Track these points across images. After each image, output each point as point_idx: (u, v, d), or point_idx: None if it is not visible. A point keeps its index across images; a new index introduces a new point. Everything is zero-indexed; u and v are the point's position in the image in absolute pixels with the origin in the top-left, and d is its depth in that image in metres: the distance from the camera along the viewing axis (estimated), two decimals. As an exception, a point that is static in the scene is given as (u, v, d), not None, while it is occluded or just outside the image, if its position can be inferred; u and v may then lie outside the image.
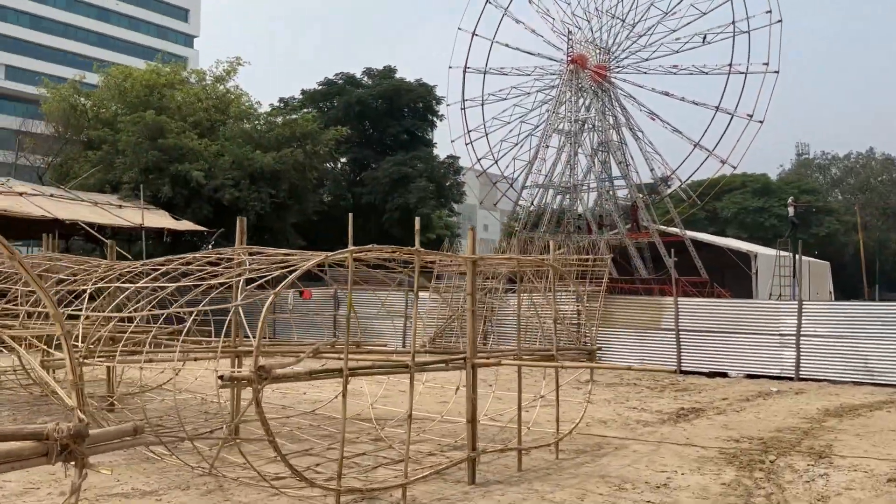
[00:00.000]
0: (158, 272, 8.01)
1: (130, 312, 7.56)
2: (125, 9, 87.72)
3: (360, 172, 41.72)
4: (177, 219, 27.01)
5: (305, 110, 38.20)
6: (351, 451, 8.43)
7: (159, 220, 26.01)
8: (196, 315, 7.53)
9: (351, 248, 5.93)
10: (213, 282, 6.89)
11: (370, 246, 6.27)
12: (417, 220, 7.14)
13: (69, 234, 25.83)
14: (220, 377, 4.97)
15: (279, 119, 34.62)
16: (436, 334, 20.99)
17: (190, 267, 8.05)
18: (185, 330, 10.97)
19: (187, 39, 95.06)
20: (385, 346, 14.08)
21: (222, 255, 8.38)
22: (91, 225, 22.55)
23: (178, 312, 8.41)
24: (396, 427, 9.76)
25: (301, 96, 42.57)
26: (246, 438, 8.06)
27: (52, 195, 24.49)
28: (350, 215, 6.83)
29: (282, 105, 39.95)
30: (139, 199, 26.35)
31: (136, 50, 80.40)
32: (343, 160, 42.54)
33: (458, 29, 41.80)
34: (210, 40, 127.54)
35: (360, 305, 21.33)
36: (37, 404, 11.13)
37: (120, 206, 25.77)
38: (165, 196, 27.75)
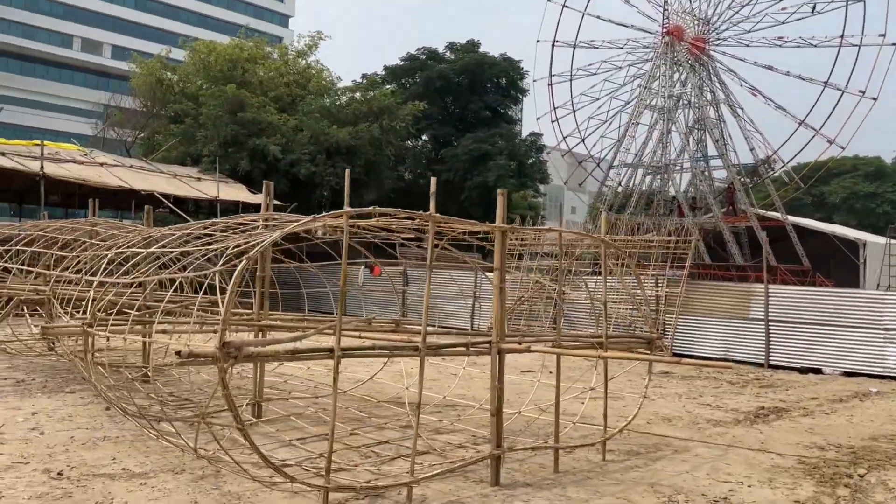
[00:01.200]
0: (174, 237, 7.47)
1: (140, 277, 7.04)
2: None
3: (440, 150, 41.00)
4: (253, 192, 27.06)
5: (387, 86, 37.76)
6: (374, 439, 7.70)
7: (236, 193, 26.10)
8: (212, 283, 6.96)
9: (347, 209, 5.12)
10: (215, 248, 6.24)
11: (371, 208, 5.45)
12: (503, 193, 6.27)
13: (155, 206, 26.33)
14: (178, 353, 4.28)
15: (357, 94, 34.30)
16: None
17: (213, 231, 7.51)
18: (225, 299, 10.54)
19: (282, 19, 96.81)
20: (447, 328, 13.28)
21: (243, 222, 7.76)
22: (167, 196, 22.74)
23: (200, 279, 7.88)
24: (433, 413, 8.97)
25: (384, 72, 42.18)
26: (219, 422, 7.44)
27: (131, 166, 24.93)
28: (433, 180, 5.94)
29: (363, 81, 39.69)
30: (218, 171, 26.58)
31: (232, 30, 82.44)
32: (424, 137, 41.94)
33: (548, 0, 40.31)
34: (305, 20, 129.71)
35: (436, 285, 20.66)
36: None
37: (199, 179, 26.00)
38: (243, 170, 27.87)
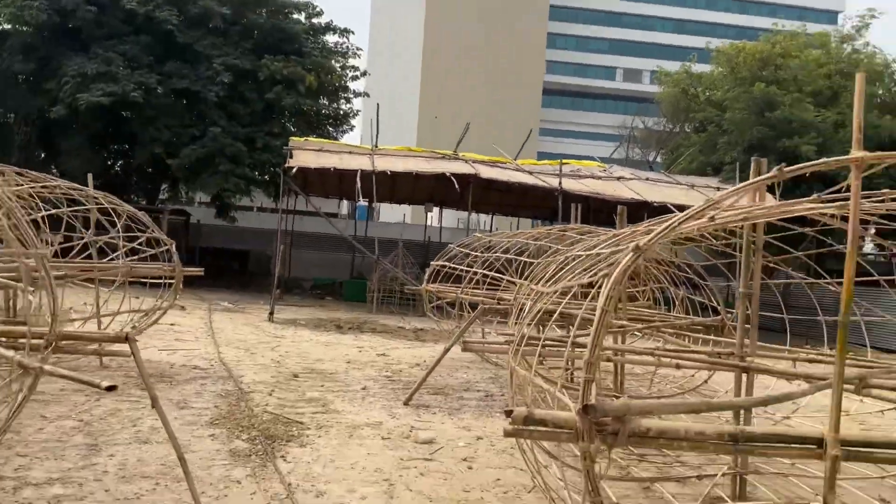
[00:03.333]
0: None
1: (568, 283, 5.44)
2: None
3: None
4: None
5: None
6: None
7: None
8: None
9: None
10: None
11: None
12: None
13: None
14: (508, 413, 2.45)
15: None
16: None
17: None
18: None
19: (830, 16, 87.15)
20: None
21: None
22: (680, 208, 21.16)
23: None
24: None
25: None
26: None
27: (647, 179, 24.14)
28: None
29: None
30: (740, 180, 24.00)
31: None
32: None
33: None
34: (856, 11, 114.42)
35: None
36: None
37: (717, 189, 23.78)
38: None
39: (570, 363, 7.14)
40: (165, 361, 9.77)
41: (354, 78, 29.89)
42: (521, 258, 8.97)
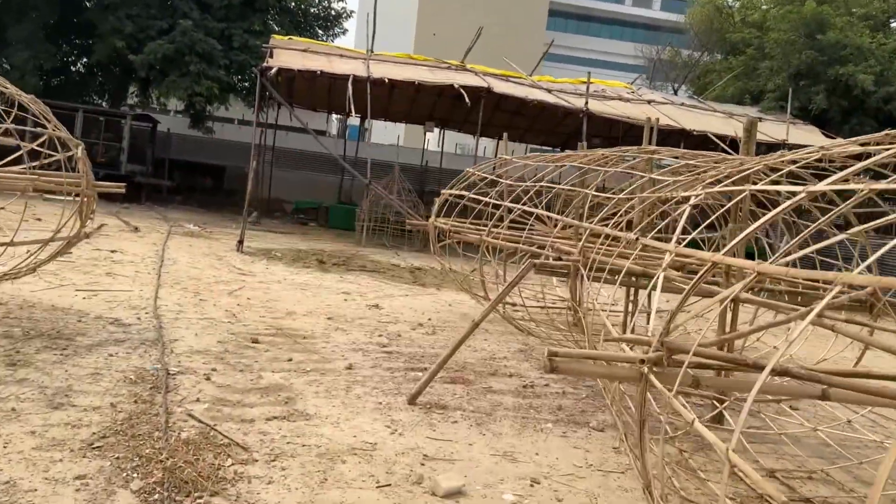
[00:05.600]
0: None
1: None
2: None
3: None
4: (829, 136, 20.79)
5: None
6: None
7: (807, 136, 20.24)
8: None
9: None
10: None
11: None
12: None
13: (707, 149, 22.40)
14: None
15: None
16: None
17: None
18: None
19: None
20: None
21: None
22: (723, 138, 18.34)
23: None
24: None
25: None
26: None
27: (682, 104, 21.17)
28: None
29: None
30: (784, 110, 21.12)
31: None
32: None
33: None
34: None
35: None
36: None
37: (759, 120, 20.81)
38: (818, 107, 21.71)
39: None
40: (76, 310, 7.05)
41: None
42: (591, 191, 6.21)
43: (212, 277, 10.17)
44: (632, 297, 6.80)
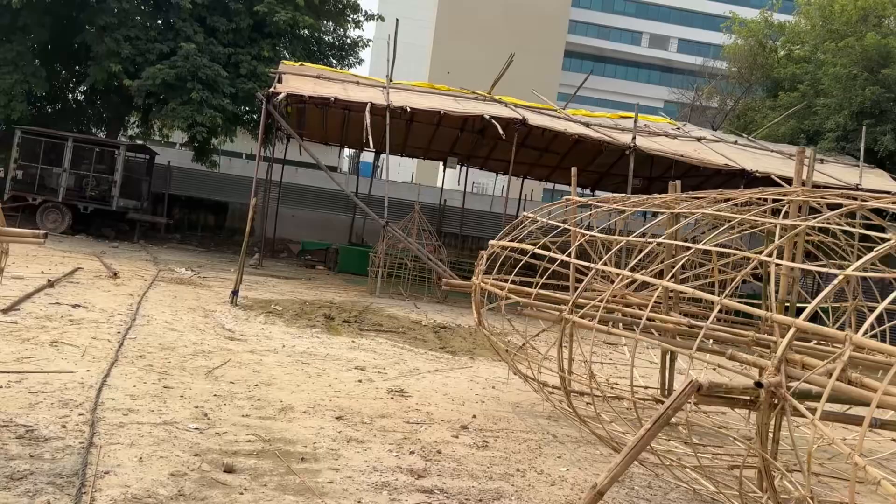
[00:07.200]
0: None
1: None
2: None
3: None
4: (900, 181, 18.65)
5: None
6: None
7: (877, 181, 18.07)
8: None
9: None
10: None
11: None
12: None
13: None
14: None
15: None
16: None
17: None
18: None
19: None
20: None
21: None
22: (787, 181, 16.22)
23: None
24: None
25: None
26: None
27: (735, 142, 19.08)
28: None
29: None
30: (844, 151, 19.02)
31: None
32: None
33: None
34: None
35: None
36: None
37: (821, 161, 18.72)
38: (885, 149, 19.54)
39: None
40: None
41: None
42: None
43: (190, 346, 7.95)
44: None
